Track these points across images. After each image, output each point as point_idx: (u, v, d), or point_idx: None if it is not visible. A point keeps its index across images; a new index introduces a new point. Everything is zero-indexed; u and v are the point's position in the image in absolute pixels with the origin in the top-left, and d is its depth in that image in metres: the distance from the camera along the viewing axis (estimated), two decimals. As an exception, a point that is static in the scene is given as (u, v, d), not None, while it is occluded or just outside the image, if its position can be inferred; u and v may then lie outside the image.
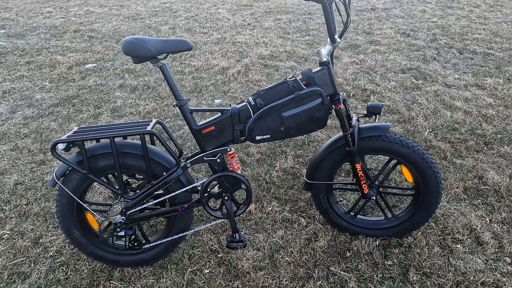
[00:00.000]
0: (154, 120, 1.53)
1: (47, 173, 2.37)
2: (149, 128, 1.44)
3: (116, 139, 1.43)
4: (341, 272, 1.63)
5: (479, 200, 2.01)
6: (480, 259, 1.66)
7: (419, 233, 1.79)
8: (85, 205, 1.55)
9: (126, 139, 1.55)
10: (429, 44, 4.46)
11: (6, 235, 1.90)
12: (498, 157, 2.36)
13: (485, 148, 2.47)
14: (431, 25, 5.20)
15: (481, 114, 2.88)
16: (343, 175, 2.28)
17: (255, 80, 3.63)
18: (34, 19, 6.27)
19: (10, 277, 1.67)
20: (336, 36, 1.43)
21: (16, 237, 1.88)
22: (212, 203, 2.02)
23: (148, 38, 1.35)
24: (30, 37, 5.24)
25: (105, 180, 1.54)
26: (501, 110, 2.92)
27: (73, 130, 1.47)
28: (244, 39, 4.91)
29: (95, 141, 1.50)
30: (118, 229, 1.54)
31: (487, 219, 1.88)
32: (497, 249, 1.71)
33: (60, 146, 1.40)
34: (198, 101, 3.27)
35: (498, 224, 1.85)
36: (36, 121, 3.01)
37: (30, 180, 2.30)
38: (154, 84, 3.62)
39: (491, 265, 1.63)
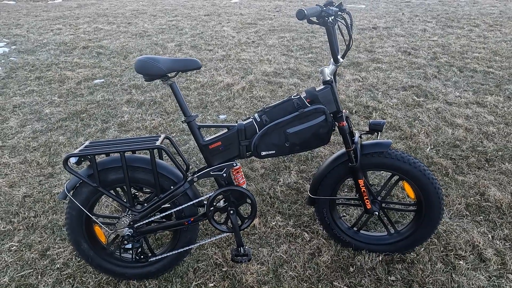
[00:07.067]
0: (162, 136, 1.58)
1: (55, 186, 2.42)
2: (158, 143, 1.49)
3: (126, 153, 1.48)
4: (344, 287, 1.65)
5: (481, 217, 2.03)
6: (483, 275, 1.67)
7: (422, 249, 1.81)
8: (94, 218, 1.59)
9: (135, 153, 1.60)
10: (430, 63, 4.54)
11: (14, 247, 1.93)
12: (500, 174, 2.39)
13: (487, 165, 2.50)
14: (432, 44, 5.30)
15: (482, 131, 2.92)
16: (346, 190, 2.31)
17: (259, 97, 3.70)
18: (45, 35, 6.45)
19: (18, 289, 1.69)
20: (338, 57, 1.49)
21: (24, 249, 1.92)
22: (217, 217, 2.05)
23: (160, 57, 1.41)
24: (40, 53, 5.39)
25: (113, 193, 1.58)
26: (501, 127, 2.96)
27: (85, 145, 1.52)
28: (248, 56, 5.02)
29: (105, 155, 1.55)
30: (126, 242, 1.57)
31: (490, 236, 1.89)
32: (499, 266, 1.72)
33: (72, 160, 1.45)
34: (203, 117, 3.34)
35: (501, 240, 1.86)
36: (45, 135, 3.08)
37: (39, 193, 2.35)
38: (161, 99, 3.70)
39: (494, 282, 1.64)
